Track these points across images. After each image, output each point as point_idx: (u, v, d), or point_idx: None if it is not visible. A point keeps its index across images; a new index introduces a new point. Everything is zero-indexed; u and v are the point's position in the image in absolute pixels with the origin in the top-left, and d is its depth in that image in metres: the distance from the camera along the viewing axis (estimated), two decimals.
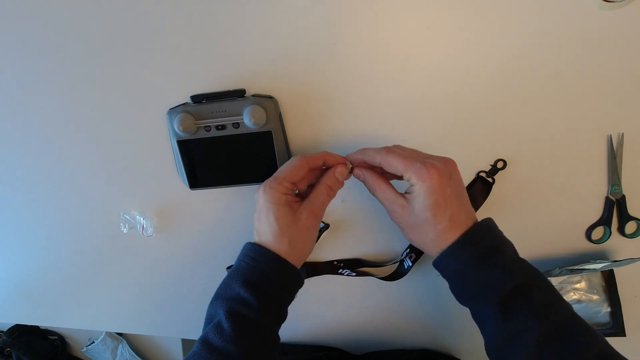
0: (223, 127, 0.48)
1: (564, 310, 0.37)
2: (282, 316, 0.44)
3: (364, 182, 0.44)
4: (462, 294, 0.41)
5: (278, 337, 0.43)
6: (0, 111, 0.55)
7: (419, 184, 0.38)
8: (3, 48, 0.51)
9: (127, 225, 0.56)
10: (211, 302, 0.42)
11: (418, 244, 0.42)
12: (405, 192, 0.42)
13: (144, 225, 0.56)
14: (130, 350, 1.16)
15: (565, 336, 0.35)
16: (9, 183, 0.58)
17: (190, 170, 0.52)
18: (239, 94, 0.48)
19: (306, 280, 0.58)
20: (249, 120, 0.46)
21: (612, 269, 0.54)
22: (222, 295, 0.41)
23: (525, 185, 0.53)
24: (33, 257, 0.63)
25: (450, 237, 0.39)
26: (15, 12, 0.50)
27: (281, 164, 0.50)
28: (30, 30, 0.51)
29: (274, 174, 0.43)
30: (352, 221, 0.56)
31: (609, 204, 0.52)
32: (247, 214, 0.57)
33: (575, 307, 0.56)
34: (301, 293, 0.60)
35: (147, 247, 0.60)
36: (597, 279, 0.56)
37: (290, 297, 0.45)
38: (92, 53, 0.51)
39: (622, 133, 0.50)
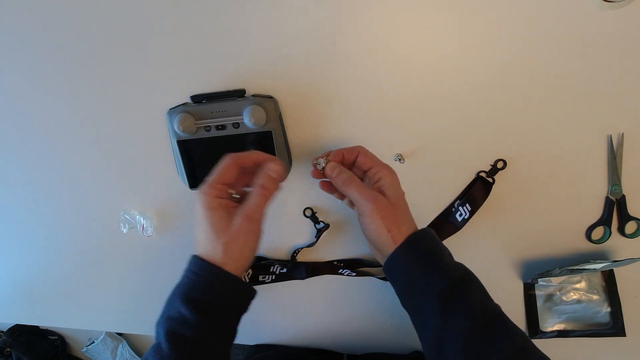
0: (223, 127, 0.48)
1: (493, 308, 0.41)
2: (229, 331, 0.42)
3: (336, 177, 0.44)
4: (404, 295, 0.43)
5: (226, 354, 0.41)
6: (0, 111, 0.55)
7: (390, 176, 0.44)
8: (3, 48, 0.51)
9: (127, 225, 0.56)
10: (157, 321, 0.40)
11: (375, 243, 0.44)
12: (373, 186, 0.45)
13: (144, 225, 0.56)
14: (130, 350, 1.16)
15: (494, 330, 0.38)
16: (9, 183, 0.58)
17: (190, 170, 0.52)
18: (239, 94, 0.48)
19: (306, 280, 0.58)
20: (249, 120, 0.46)
21: (612, 269, 0.54)
22: (165, 314, 0.40)
23: (525, 185, 0.53)
24: (33, 257, 0.63)
25: (400, 239, 0.42)
26: (16, 11, 0.50)
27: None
28: (30, 30, 0.51)
29: (207, 178, 0.41)
30: (352, 221, 0.56)
31: (609, 204, 0.52)
32: None
33: (575, 307, 0.56)
34: (301, 293, 0.60)
35: (147, 247, 0.60)
36: (597, 279, 0.56)
37: (238, 308, 0.42)
38: (92, 53, 0.51)
39: (622, 133, 0.50)
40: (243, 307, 0.43)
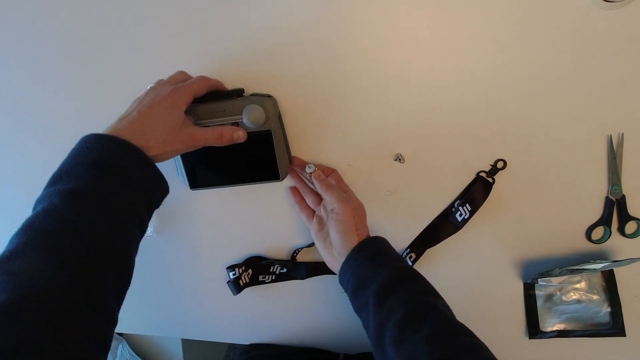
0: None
1: (428, 300, 0.42)
2: (135, 211, 0.38)
3: (321, 180, 0.50)
4: (355, 295, 0.45)
5: (133, 236, 0.38)
6: (0, 111, 0.55)
7: (340, 211, 0.48)
8: (4, 48, 0.51)
9: None
10: (38, 198, 0.36)
11: (340, 241, 0.48)
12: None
13: None
14: (130, 350, 1.15)
15: (423, 318, 0.39)
16: (9, 183, 0.58)
17: (190, 170, 0.52)
18: (238, 93, 0.48)
19: (306, 280, 0.58)
20: (248, 119, 0.46)
21: (612, 269, 0.54)
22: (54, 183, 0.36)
23: (525, 185, 0.53)
24: None
25: (351, 245, 0.47)
26: (16, 11, 0.50)
27: (282, 164, 0.50)
28: (31, 30, 0.51)
29: (183, 85, 0.43)
30: None
31: (609, 204, 0.52)
32: (247, 214, 0.57)
33: (575, 307, 0.56)
34: (301, 292, 0.60)
35: (147, 247, 0.59)
36: (597, 279, 0.56)
37: (146, 193, 0.39)
38: (92, 54, 0.51)
39: (622, 133, 0.50)
40: (152, 194, 0.40)
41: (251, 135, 0.48)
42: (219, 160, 0.51)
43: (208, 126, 0.47)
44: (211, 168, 0.52)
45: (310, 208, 0.54)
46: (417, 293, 0.42)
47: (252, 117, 0.46)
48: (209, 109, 0.47)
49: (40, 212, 0.34)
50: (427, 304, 0.41)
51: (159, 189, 0.42)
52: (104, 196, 0.35)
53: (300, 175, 0.55)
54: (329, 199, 0.49)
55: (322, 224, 0.52)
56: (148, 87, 0.44)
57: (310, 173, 0.51)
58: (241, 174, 0.52)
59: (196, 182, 0.52)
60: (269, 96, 0.49)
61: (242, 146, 0.48)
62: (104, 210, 0.35)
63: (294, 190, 0.55)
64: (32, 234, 0.32)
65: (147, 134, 0.39)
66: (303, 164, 0.52)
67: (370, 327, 0.42)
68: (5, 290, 0.29)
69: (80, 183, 0.35)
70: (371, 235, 0.49)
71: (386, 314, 0.41)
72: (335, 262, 0.50)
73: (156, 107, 0.40)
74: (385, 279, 0.42)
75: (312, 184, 0.52)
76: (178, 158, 0.51)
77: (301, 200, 0.55)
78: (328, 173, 0.53)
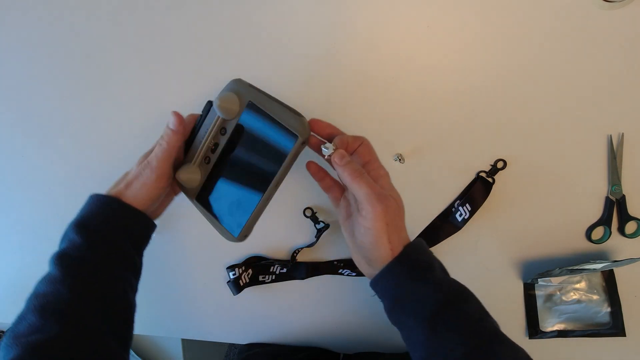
0: (216, 145, 0.44)
1: (489, 327, 0.37)
2: (124, 258, 0.42)
3: (344, 166, 0.38)
4: (394, 311, 0.39)
5: (124, 281, 0.42)
6: (0, 111, 0.55)
7: (388, 176, 0.41)
8: (4, 48, 0.52)
9: None
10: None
11: (368, 251, 0.40)
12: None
13: None
14: (131, 350, 1.15)
15: (490, 351, 0.35)
16: (9, 183, 0.58)
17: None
18: (209, 105, 0.44)
19: (306, 280, 0.58)
20: (219, 110, 0.41)
21: (612, 269, 0.54)
22: (58, 247, 0.42)
23: (525, 186, 0.53)
24: (33, 257, 0.63)
25: (397, 250, 0.38)
26: (17, 12, 0.50)
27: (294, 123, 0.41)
28: (30, 30, 0.51)
29: (156, 165, 0.42)
30: None
31: (609, 204, 0.52)
32: None
33: (575, 307, 0.56)
34: (301, 292, 0.60)
35: (147, 247, 0.60)
36: (597, 279, 0.56)
37: (131, 234, 0.43)
38: (90, 54, 0.51)
39: (622, 133, 0.50)
40: (138, 233, 0.44)
41: (245, 134, 0.42)
42: (234, 174, 0.45)
43: (207, 159, 0.45)
44: (231, 183, 0.46)
45: (338, 184, 0.45)
46: (473, 320, 0.37)
47: (222, 105, 0.41)
48: (198, 139, 0.45)
49: (41, 279, 0.40)
50: (489, 333, 0.36)
51: (143, 229, 0.45)
52: (89, 254, 0.40)
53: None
54: (355, 194, 0.38)
55: (349, 212, 0.42)
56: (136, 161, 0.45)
57: (329, 155, 0.39)
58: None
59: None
60: (241, 81, 0.43)
61: (244, 148, 0.43)
62: (89, 267, 0.39)
63: (312, 165, 0.44)
64: (34, 299, 0.38)
65: (114, 189, 0.44)
66: (320, 139, 0.41)
67: (418, 347, 0.37)
68: (12, 350, 0.34)
69: (69, 245, 0.40)
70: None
71: (442, 343, 0.35)
72: (363, 264, 0.41)
73: (142, 188, 0.43)
74: (433, 303, 0.36)
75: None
76: (201, 209, 0.47)
77: (325, 175, 0.44)
78: (355, 146, 0.41)
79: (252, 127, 0.41)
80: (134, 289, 0.45)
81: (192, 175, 0.45)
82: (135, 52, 0.51)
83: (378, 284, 0.40)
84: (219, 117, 0.42)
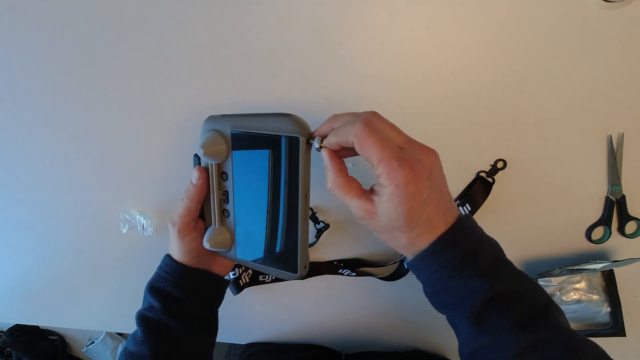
0: (225, 194, 0.42)
1: (552, 322, 0.32)
2: (197, 318, 0.46)
3: (325, 168, 0.35)
4: (434, 300, 0.36)
5: (196, 338, 0.45)
6: (1, 112, 0.55)
7: (391, 188, 0.31)
8: (5, 47, 0.51)
9: (127, 225, 0.56)
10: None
11: (391, 245, 0.35)
12: (373, 190, 0.33)
13: (144, 225, 0.56)
14: None
15: (546, 350, 0.31)
16: (10, 183, 0.58)
17: None
18: (197, 157, 0.43)
19: (306, 280, 0.58)
20: (209, 158, 0.39)
21: (612, 269, 0.54)
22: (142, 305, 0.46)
23: (525, 186, 0.53)
24: (33, 257, 0.63)
25: (425, 242, 0.33)
26: (17, 13, 0.50)
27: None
28: (31, 30, 0.51)
29: (181, 217, 0.44)
30: (352, 221, 0.56)
31: (609, 204, 0.52)
32: None
33: (575, 307, 0.56)
34: (301, 292, 0.60)
35: (147, 247, 0.60)
36: (597, 279, 0.56)
37: (200, 294, 0.46)
38: (90, 54, 0.51)
39: (622, 133, 0.50)
40: (207, 293, 0.47)
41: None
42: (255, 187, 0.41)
43: (224, 197, 0.43)
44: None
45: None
46: (524, 316, 0.32)
47: (208, 151, 0.38)
48: (206, 206, 0.45)
49: (131, 335, 0.45)
50: (544, 331, 0.32)
51: (214, 288, 0.49)
52: (165, 318, 0.44)
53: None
54: (370, 160, 0.32)
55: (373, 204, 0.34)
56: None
57: (318, 149, 0.35)
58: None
59: None
60: (213, 117, 0.41)
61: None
62: (166, 330, 0.43)
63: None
64: (125, 356, 0.43)
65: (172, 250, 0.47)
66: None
67: (462, 339, 0.35)
68: None
69: (148, 306, 0.45)
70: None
71: (490, 341, 0.32)
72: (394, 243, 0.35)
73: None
74: (480, 296, 0.32)
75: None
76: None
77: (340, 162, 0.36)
78: (336, 126, 0.34)
79: (250, 156, 0.38)
80: (210, 345, 0.49)
81: (219, 237, 0.43)
82: (135, 51, 0.51)
83: (414, 268, 0.35)
84: (212, 164, 0.40)
